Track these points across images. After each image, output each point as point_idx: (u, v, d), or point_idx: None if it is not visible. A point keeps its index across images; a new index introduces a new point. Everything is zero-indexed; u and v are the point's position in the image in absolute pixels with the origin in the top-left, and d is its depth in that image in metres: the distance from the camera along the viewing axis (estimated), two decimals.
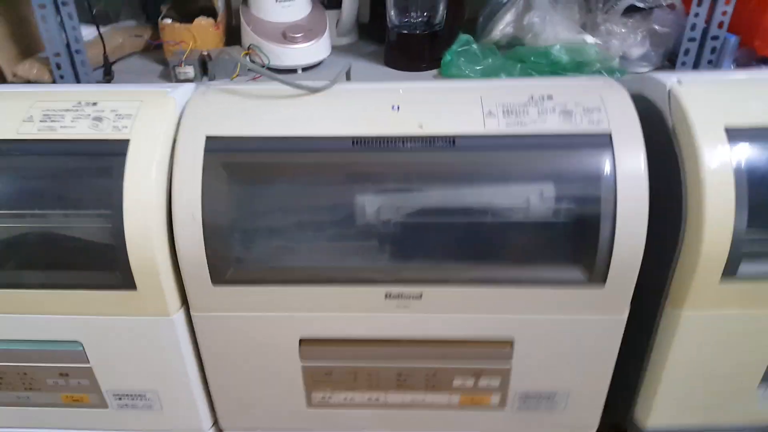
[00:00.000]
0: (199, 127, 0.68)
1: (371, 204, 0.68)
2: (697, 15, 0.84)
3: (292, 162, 0.67)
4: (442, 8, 0.96)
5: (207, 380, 0.79)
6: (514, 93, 0.69)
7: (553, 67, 0.87)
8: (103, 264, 0.68)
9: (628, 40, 0.90)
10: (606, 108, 0.66)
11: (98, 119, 0.69)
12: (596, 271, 0.66)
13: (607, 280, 0.66)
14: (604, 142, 0.64)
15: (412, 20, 0.98)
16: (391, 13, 0.98)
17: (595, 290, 0.67)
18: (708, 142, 0.63)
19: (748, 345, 0.72)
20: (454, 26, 0.98)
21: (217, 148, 0.67)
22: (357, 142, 0.66)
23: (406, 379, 0.77)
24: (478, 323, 0.71)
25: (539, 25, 0.91)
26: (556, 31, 0.90)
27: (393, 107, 0.68)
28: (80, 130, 0.68)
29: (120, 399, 0.80)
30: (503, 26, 0.95)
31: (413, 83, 0.77)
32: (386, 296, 0.70)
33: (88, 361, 0.76)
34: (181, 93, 0.72)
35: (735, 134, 0.63)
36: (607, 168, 0.64)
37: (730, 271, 0.65)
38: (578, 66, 0.86)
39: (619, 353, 0.75)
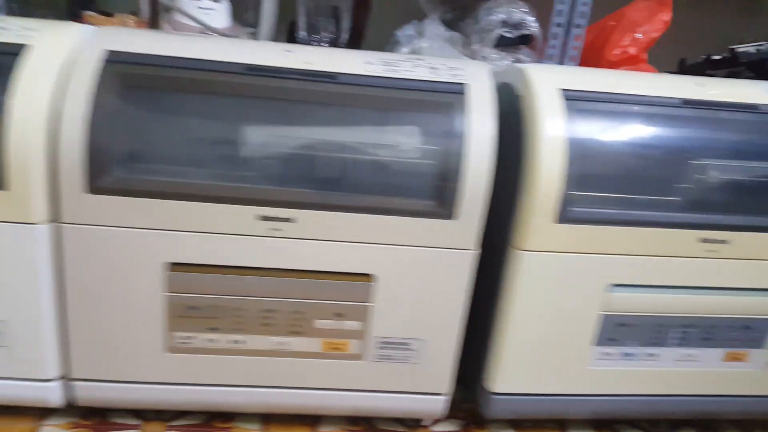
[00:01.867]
0: (102, 42, 0.73)
1: (256, 127, 0.74)
2: (554, 47, 1.01)
3: (186, 78, 0.73)
4: (345, 32, 1.10)
5: (64, 313, 0.77)
6: (393, 56, 0.80)
7: None
8: None
9: (501, 65, 1.05)
10: (466, 69, 0.78)
11: (3, 29, 0.73)
12: (447, 204, 0.74)
13: (458, 213, 0.74)
14: (459, 89, 0.75)
15: (319, 40, 1.10)
16: (302, 32, 1.10)
17: (447, 223, 0.74)
18: (546, 100, 0.76)
19: (581, 289, 0.79)
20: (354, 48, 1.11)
21: (114, 59, 0.72)
22: (250, 69, 0.74)
23: (270, 317, 0.78)
24: (344, 253, 0.75)
25: (428, 50, 1.05)
26: (442, 54, 1.04)
27: (287, 51, 0.77)
28: None
29: None
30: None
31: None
32: (261, 218, 0.73)
33: None
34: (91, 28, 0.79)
35: (567, 94, 0.76)
36: (460, 110, 0.74)
37: (561, 213, 0.75)
38: None
39: (471, 325, 0.81)
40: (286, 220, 0.74)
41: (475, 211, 0.74)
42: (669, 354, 0.85)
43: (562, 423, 0.92)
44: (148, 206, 0.72)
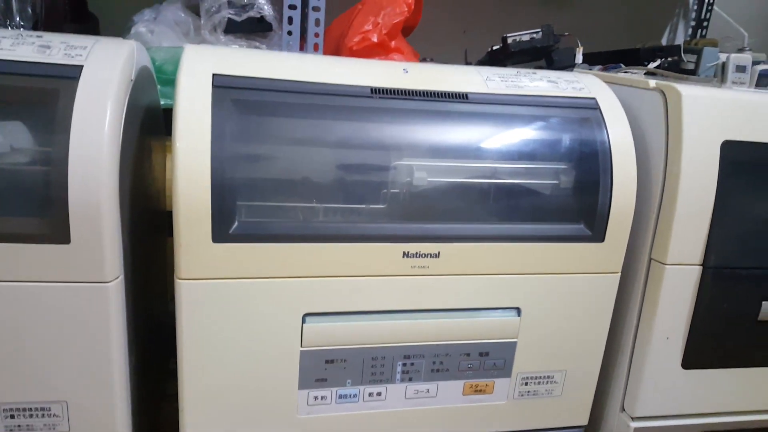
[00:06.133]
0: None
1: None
2: (290, 33, 0.90)
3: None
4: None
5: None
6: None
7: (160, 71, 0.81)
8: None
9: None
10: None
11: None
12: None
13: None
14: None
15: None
16: None
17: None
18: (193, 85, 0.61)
19: (266, 322, 0.64)
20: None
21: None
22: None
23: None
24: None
25: (156, 35, 0.92)
26: (159, 40, 0.91)
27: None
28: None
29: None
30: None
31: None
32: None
33: None
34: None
35: (219, 80, 0.61)
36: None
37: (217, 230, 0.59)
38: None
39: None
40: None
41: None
42: (397, 391, 0.71)
43: None
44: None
